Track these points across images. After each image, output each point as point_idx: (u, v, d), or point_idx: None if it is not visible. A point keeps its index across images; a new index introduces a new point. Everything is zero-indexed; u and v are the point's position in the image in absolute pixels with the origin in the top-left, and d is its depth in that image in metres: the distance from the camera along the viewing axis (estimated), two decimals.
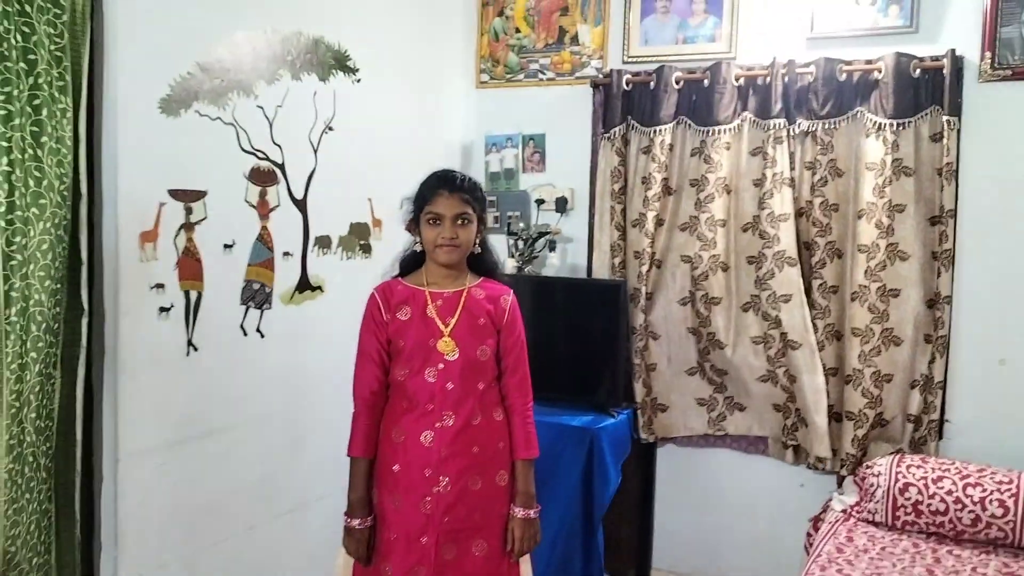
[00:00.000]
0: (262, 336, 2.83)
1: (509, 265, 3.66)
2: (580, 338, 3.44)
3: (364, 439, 2.25)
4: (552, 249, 3.66)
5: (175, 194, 2.49)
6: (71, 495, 2.27)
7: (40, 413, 2.16)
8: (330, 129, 3.06)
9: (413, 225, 2.29)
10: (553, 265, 3.67)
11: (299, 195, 2.95)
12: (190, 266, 2.55)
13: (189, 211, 2.54)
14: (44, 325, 2.12)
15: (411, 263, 2.35)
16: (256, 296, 2.80)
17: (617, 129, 3.53)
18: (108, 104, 2.30)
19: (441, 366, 2.22)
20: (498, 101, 3.89)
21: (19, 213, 2.05)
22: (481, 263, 2.36)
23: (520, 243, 3.66)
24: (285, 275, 2.92)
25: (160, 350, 2.48)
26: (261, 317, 2.82)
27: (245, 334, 2.77)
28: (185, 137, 2.50)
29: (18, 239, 2.05)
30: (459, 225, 2.22)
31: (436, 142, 3.70)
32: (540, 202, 3.75)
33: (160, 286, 2.46)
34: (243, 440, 2.78)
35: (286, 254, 2.92)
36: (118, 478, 2.37)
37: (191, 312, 2.56)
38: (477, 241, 2.29)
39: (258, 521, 2.86)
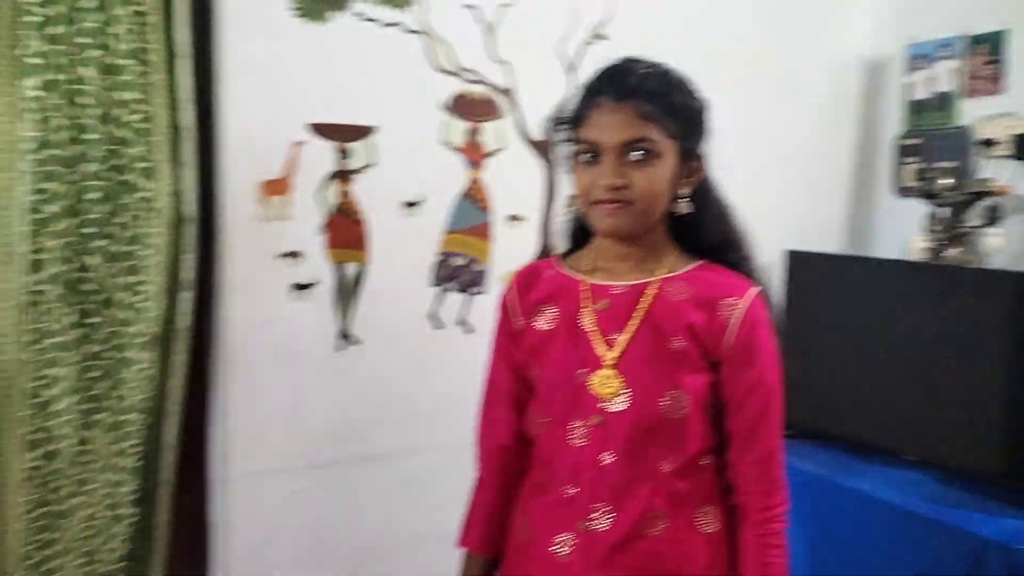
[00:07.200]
0: (467, 331, 2.03)
1: (917, 248, 2.27)
2: None
3: (482, 524, 1.33)
4: (993, 222, 2.16)
5: (322, 130, 1.82)
6: (149, 512, 1.74)
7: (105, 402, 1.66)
8: (600, 38, 2.10)
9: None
10: (997, 249, 2.17)
11: (540, 134, 2.07)
12: (346, 229, 1.87)
13: (344, 154, 1.85)
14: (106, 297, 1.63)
15: (582, 233, 1.33)
16: (459, 274, 2.01)
17: None
18: (218, 7, 1.72)
19: (597, 420, 1.19)
20: None
21: (54, 152, 1.56)
22: (703, 234, 1.24)
23: (945, 210, 2.25)
24: (512, 247, 2.06)
25: (296, 341, 1.85)
26: (469, 304, 2.03)
27: (438, 326, 2.00)
28: (338, 51, 1.82)
29: (52, 184, 1.57)
30: (632, 162, 1.15)
31: (816, 57, 2.44)
32: (987, 144, 2.26)
33: (293, 255, 1.82)
34: (432, 470, 1.99)
35: (513, 218, 2.06)
36: (229, 506, 1.81)
37: (347, 292, 1.88)
38: (684, 191, 1.19)
39: None
